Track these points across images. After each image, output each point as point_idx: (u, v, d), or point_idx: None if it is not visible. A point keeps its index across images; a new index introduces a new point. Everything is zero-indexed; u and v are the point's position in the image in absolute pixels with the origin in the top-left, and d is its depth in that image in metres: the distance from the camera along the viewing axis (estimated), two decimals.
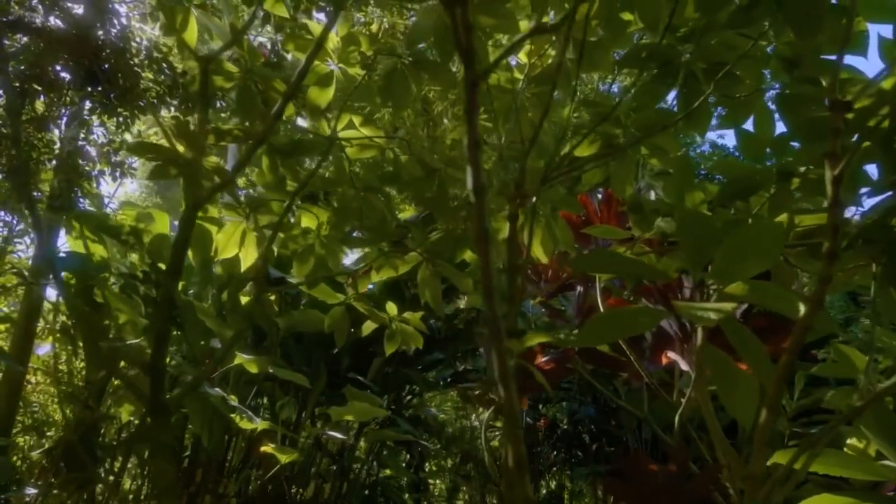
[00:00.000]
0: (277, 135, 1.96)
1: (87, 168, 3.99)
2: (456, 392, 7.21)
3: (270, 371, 2.98)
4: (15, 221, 6.35)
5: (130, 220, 4.84)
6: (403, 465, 6.18)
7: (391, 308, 2.07)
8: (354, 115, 1.89)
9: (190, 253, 5.14)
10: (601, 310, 2.39)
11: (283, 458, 2.65)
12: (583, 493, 6.31)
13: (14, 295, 6.48)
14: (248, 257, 2.07)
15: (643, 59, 1.88)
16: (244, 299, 4.41)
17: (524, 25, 2.03)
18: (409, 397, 6.03)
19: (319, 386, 4.58)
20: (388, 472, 6.05)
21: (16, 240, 6.46)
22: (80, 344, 4.77)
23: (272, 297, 4.12)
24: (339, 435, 3.27)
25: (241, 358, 3.02)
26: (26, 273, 4.94)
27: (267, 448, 2.56)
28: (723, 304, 0.83)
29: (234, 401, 2.73)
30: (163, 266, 4.87)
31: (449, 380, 5.91)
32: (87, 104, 4.38)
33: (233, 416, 2.66)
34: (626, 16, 1.88)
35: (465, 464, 6.51)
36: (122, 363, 3.67)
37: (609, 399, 5.29)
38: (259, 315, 4.04)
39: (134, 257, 4.98)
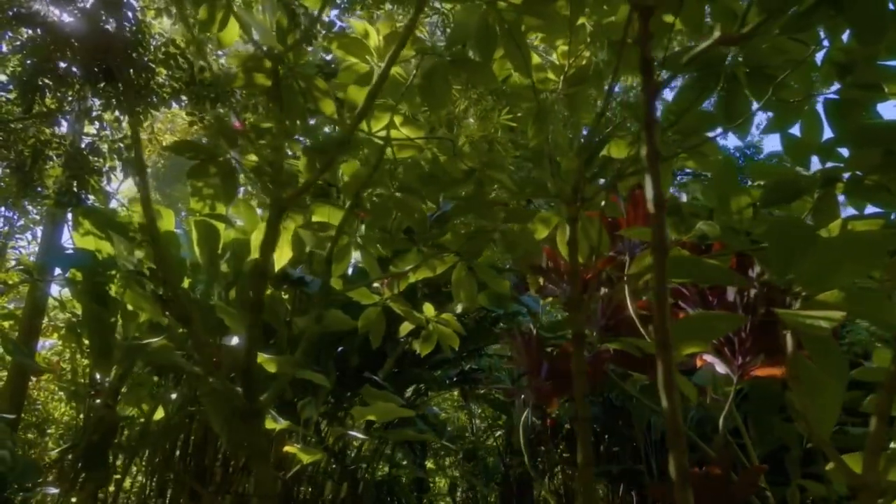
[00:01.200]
0: (313, 134, 1.95)
1: (97, 164, 3.95)
2: (458, 391, 7.22)
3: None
4: (16, 217, 6.29)
5: (138, 216, 4.80)
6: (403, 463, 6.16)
7: (429, 309, 2.06)
8: (396, 114, 1.87)
9: (196, 250, 5.12)
10: (630, 312, 2.39)
11: (306, 459, 2.64)
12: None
13: (16, 292, 6.42)
14: (283, 257, 2.06)
15: (685, 63, 1.87)
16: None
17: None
18: (413, 396, 6.02)
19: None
20: (391, 470, 6.04)
21: (17, 235, 6.40)
22: (86, 341, 4.73)
23: (285, 296, 4.09)
24: (360, 435, 3.25)
25: (261, 357, 3.00)
26: (31, 270, 4.89)
27: (290, 448, 2.54)
28: (831, 312, 0.83)
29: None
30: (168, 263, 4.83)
31: (454, 379, 5.91)
32: (96, 100, 4.35)
33: None
34: (668, 18, 1.88)
35: (469, 462, 6.51)
36: (137, 362, 3.64)
37: (616, 399, 5.33)
38: (268, 313, 4.01)
39: (139, 254, 4.94)
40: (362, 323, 2.10)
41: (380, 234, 1.96)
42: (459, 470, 6.98)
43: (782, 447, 3.73)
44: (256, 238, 2.05)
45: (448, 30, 6.32)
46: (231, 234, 4.96)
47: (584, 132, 2.16)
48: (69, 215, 5.63)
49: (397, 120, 1.87)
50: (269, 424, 2.71)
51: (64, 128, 4.31)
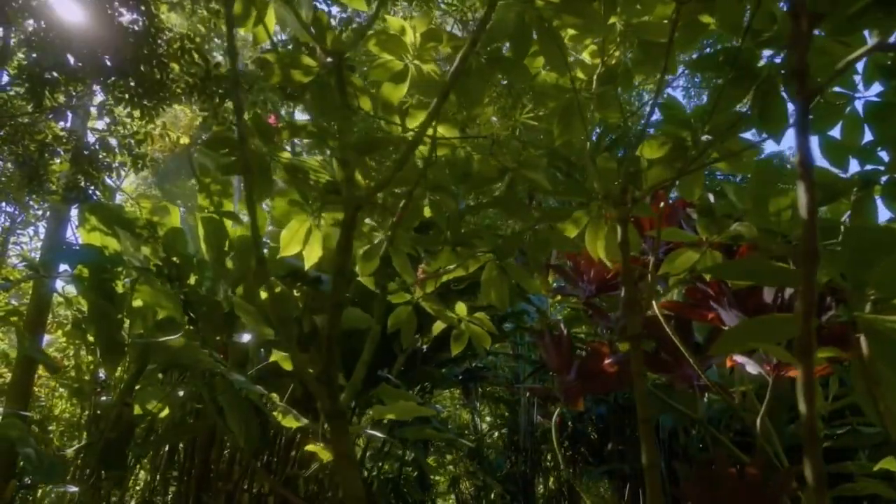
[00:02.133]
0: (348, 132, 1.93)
1: (107, 159, 3.91)
2: (460, 389, 7.23)
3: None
4: (17, 212, 6.22)
5: (146, 212, 4.76)
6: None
7: (461, 308, 2.05)
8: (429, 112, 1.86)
9: (203, 247, 5.08)
10: (656, 312, 2.39)
11: (326, 457, 2.62)
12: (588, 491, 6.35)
13: (17, 288, 6.35)
14: (312, 255, 2.04)
15: (720, 63, 1.87)
16: (263, 295, 4.36)
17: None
18: (419, 394, 6.01)
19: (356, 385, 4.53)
20: (400, 468, 6.03)
21: (18, 231, 6.34)
22: (91, 338, 4.69)
23: (297, 294, 4.07)
24: (379, 434, 3.24)
25: (277, 354, 2.98)
26: (36, 266, 4.83)
27: (312, 447, 2.52)
28: None
29: (276, 398, 2.69)
30: (176, 259, 4.80)
31: (459, 377, 5.91)
32: (100, 94, 4.30)
33: (275, 413, 2.63)
34: (706, 19, 1.88)
35: (472, 460, 6.52)
36: (152, 359, 3.60)
37: (621, 399, 5.35)
38: (272, 311, 3.97)
39: (145, 250, 4.90)
40: (392, 321, 2.09)
41: (414, 234, 1.95)
42: (462, 466, 6.98)
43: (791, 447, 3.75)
44: (286, 237, 2.04)
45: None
46: (238, 231, 4.93)
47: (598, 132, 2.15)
48: (72, 211, 5.59)
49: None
50: (288, 422, 2.70)
51: (72, 123, 4.25)
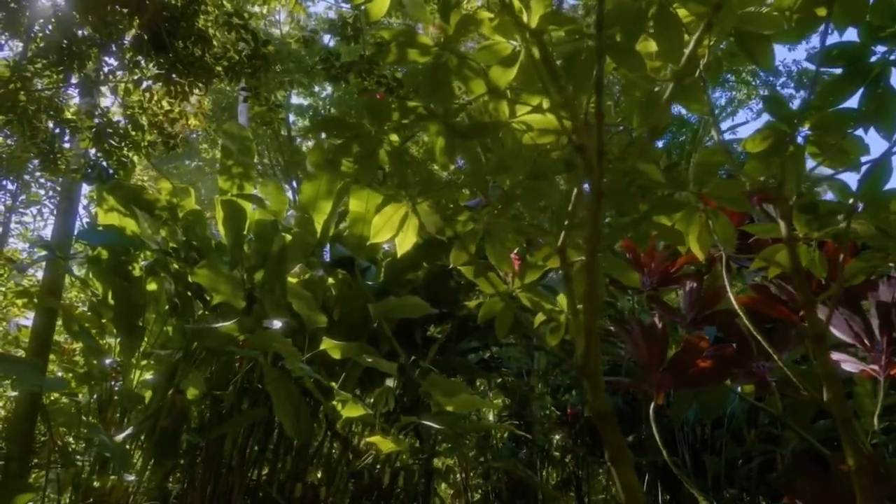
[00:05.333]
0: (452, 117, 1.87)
1: (136, 138, 3.77)
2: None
3: None
4: (19, 190, 6.01)
5: (165, 194, 4.63)
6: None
7: (562, 300, 2.01)
8: (544, 97, 1.81)
9: (222, 230, 4.96)
10: (735, 306, 2.37)
11: (385, 448, 2.57)
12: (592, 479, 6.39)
13: (8, 273, 6.12)
14: (406, 242, 1.98)
15: (833, 57, 1.85)
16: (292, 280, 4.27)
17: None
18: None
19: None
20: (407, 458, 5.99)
21: (21, 210, 6.13)
22: (104, 320, 4.56)
23: (330, 281, 3.99)
24: (436, 425, 3.19)
25: (327, 343, 2.91)
26: (52, 246, 4.66)
27: (373, 439, 2.47)
28: None
29: (335, 385, 2.62)
30: (195, 242, 4.68)
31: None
32: (121, 69, 4.14)
33: (334, 402, 2.56)
34: (821, 11, 1.85)
35: (481, 449, 6.50)
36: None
37: (637, 392, 5.36)
38: (300, 297, 3.89)
39: (163, 233, 4.77)
40: (483, 312, 2.04)
41: (516, 223, 1.90)
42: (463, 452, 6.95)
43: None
44: (378, 223, 1.97)
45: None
46: (256, 214, 4.82)
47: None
48: (82, 191, 5.41)
49: (546, 104, 1.81)
50: (347, 412, 2.64)
51: (98, 99, 4.09)
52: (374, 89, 3.70)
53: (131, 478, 2.62)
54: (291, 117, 13.25)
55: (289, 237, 4.47)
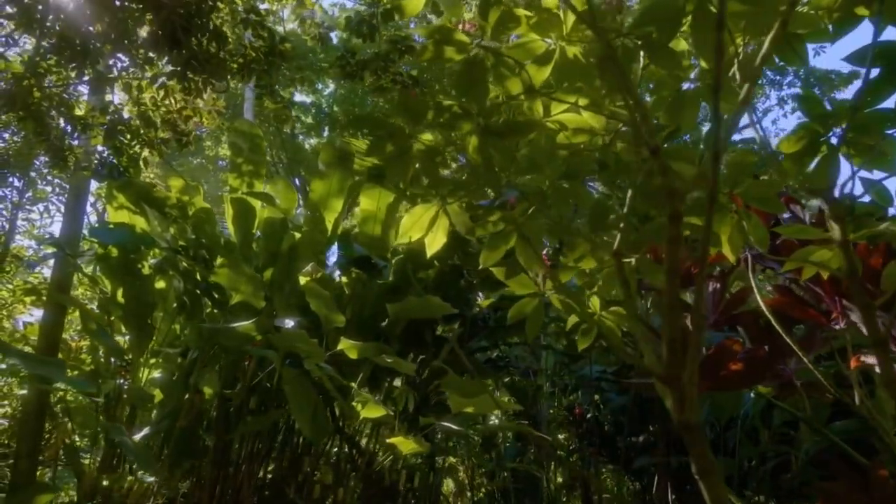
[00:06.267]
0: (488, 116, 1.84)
1: (149, 135, 3.74)
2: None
3: None
4: (25, 187, 5.96)
5: (175, 192, 4.59)
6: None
7: (595, 302, 1.99)
8: (581, 97, 1.78)
9: (232, 228, 4.92)
10: (763, 309, 2.35)
11: (406, 449, 2.55)
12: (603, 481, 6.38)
13: (15, 270, 6.07)
14: (436, 242, 1.95)
15: (876, 55, 1.83)
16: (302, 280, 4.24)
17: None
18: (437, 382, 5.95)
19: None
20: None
21: (27, 207, 6.08)
22: (112, 318, 4.52)
23: (344, 280, 3.96)
24: (454, 427, 3.16)
25: (345, 343, 2.89)
26: (61, 244, 4.62)
27: (394, 440, 2.44)
28: None
29: (354, 385, 2.60)
30: (204, 240, 4.64)
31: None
32: (131, 66, 4.10)
33: (354, 403, 2.53)
34: (862, 11, 1.83)
35: (487, 451, 6.48)
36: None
37: (645, 391, 5.34)
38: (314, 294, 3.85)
39: (172, 231, 4.73)
40: (513, 313, 2.01)
41: (548, 223, 1.87)
42: (468, 451, 6.94)
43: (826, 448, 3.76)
44: (407, 222, 1.94)
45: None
46: (265, 212, 4.78)
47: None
48: (91, 188, 5.36)
49: (582, 102, 1.78)
50: (367, 413, 2.61)
51: (110, 97, 4.05)
52: (389, 87, 3.68)
53: (151, 479, 2.59)
54: (293, 114, 13.19)
55: (298, 235, 4.45)
